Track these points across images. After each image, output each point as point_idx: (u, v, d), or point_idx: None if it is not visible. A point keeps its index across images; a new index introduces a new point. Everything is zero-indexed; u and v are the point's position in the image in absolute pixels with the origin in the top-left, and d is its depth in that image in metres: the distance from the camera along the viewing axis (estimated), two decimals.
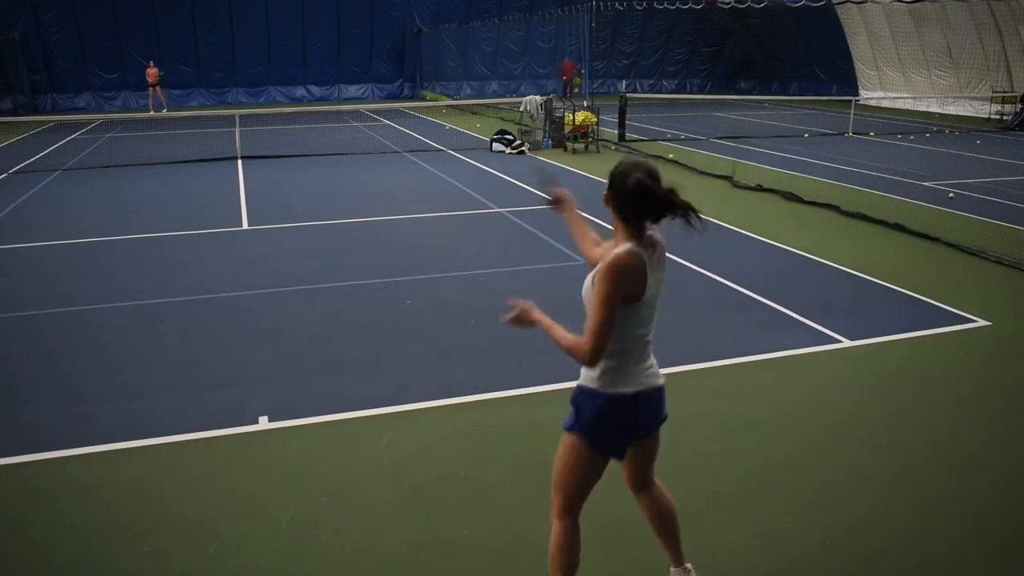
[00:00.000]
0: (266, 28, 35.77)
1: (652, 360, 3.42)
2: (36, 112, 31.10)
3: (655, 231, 3.30)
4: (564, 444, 3.45)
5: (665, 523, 3.77)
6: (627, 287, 3.16)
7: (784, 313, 7.88)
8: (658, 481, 3.76)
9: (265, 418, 5.81)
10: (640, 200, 3.17)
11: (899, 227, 11.18)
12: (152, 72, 31.01)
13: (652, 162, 3.28)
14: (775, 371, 6.62)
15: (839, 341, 7.17)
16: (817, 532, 4.41)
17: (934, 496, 4.78)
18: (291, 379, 6.51)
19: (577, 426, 3.39)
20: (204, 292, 8.75)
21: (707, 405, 6.04)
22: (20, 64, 31.83)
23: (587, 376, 3.36)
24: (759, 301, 8.20)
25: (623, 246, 3.19)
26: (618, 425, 3.39)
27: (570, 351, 3.25)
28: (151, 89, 31.15)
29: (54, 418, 5.86)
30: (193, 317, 8.00)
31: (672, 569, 3.85)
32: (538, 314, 3.44)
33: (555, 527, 3.55)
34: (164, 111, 30.04)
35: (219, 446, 5.46)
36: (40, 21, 32.44)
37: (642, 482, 3.72)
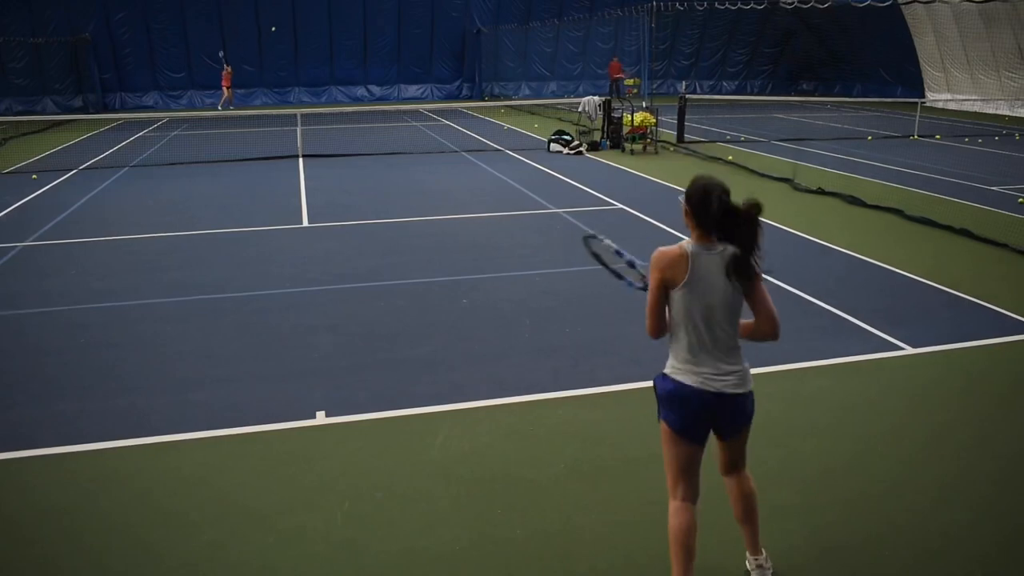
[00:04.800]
0: (328, 29, 36.26)
1: (709, 364, 3.67)
2: (105, 110, 31.97)
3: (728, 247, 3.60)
4: (660, 429, 3.82)
5: (745, 510, 3.95)
6: (665, 272, 3.70)
7: (845, 319, 7.75)
8: (745, 470, 3.95)
9: (322, 413, 5.89)
10: (697, 208, 3.61)
11: (965, 232, 10.92)
12: (226, 74, 31.83)
13: (723, 181, 3.61)
14: (835, 377, 6.52)
15: (901, 348, 7.03)
16: (872, 541, 4.33)
17: (984, 506, 4.67)
18: (348, 375, 6.60)
19: (659, 410, 3.81)
20: (264, 288, 8.90)
21: (766, 411, 5.95)
22: (91, 63, 32.74)
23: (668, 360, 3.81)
24: (820, 306, 8.08)
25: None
26: (675, 408, 3.71)
27: None
28: (228, 90, 31.95)
29: (109, 409, 6.02)
30: (253, 313, 8.14)
31: (748, 556, 3.99)
32: None
33: (669, 507, 3.82)
34: (219, 110, 30.68)
35: (277, 440, 5.55)
36: (110, 22, 33.34)
37: (729, 468, 3.95)
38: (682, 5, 33.49)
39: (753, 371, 6.79)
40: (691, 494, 3.76)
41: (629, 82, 31.76)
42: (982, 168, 16.91)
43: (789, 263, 9.53)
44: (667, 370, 3.77)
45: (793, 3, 30.76)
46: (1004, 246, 10.24)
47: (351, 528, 4.52)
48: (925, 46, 32.28)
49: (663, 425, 3.76)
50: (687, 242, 3.68)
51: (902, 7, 30.54)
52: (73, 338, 7.49)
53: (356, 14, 36.34)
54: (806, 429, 5.63)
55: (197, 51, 34.54)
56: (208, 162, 18.29)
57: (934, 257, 9.91)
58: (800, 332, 7.44)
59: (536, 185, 14.99)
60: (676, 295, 3.69)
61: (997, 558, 4.23)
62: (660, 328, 3.78)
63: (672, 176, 15.79)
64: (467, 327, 7.71)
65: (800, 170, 15.61)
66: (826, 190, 13.97)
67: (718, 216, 3.54)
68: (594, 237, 4.06)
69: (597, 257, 4.01)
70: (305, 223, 12.18)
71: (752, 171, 16.28)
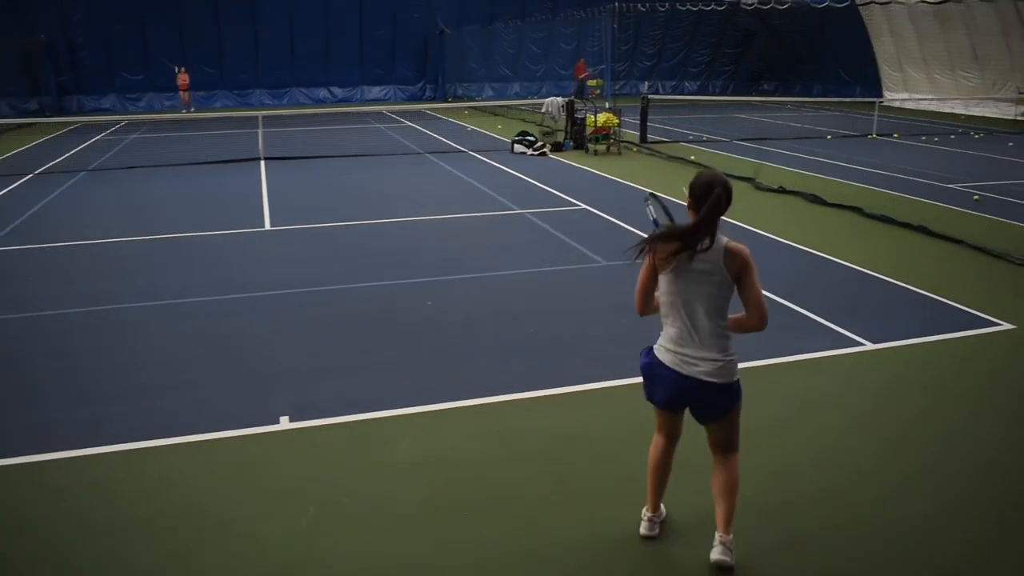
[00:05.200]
0: (289, 30, 35.98)
1: (691, 349, 3.91)
2: (62, 113, 31.44)
3: (727, 239, 3.87)
4: None
5: (721, 491, 4.12)
6: (656, 255, 3.86)
7: (806, 316, 7.83)
8: (731, 455, 4.13)
9: (286, 418, 5.84)
10: (699, 200, 3.80)
11: (923, 230, 11.09)
12: (184, 78, 31.41)
13: (726, 178, 3.87)
14: (797, 374, 6.59)
15: (862, 344, 7.12)
16: (835, 534, 4.38)
17: (948, 498, 4.74)
18: (313, 379, 6.55)
19: None
20: (226, 292, 8.81)
21: None
22: (46, 66, 32.20)
23: None
24: (781, 304, 8.16)
25: None
26: (651, 383, 4.09)
27: None
28: (184, 93, 31.53)
29: (75, 418, 5.91)
30: (215, 317, 8.06)
31: (717, 532, 4.13)
32: None
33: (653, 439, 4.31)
34: (189, 111, 30.32)
35: (240, 446, 5.50)
36: (67, 23, 32.81)
37: (714, 449, 4.16)
38: (644, 6, 33.75)
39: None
40: (670, 438, 4.24)
41: (592, 83, 31.88)
42: (939, 166, 17.19)
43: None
44: (655, 344, 4.06)
45: (753, 4, 31.08)
46: (961, 242, 10.41)
47: (316, 534, 4.49)
48: (882, 46, 32.75)
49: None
50: (678, 226, 3.86)
51: (859, 8, 30.97)
52: (30, 346, 7.36)
53: (318, 15, 36.11)
54: (768, 425, 5.68)
55: (156, 53, 34.11)
56: (168, 165, 18.08)
57: (893, 254, 10.05)
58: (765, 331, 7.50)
59: (500, 186, 14.99)
60: (663, 279, 3.93)
61: (960, 550, 4.29)
62: (645, 306, 4.06)
63: (635, 176, 15.87)
64: (432, 329, 7.69)
65: (762, 169, 15.76)
66: (787, 189, 14.12)
67: (713, 204, 3.73)
68: (654, 197, 4.17)
69: (654, 220, 4.11)
70: (267, 226, 12.07)
71: None
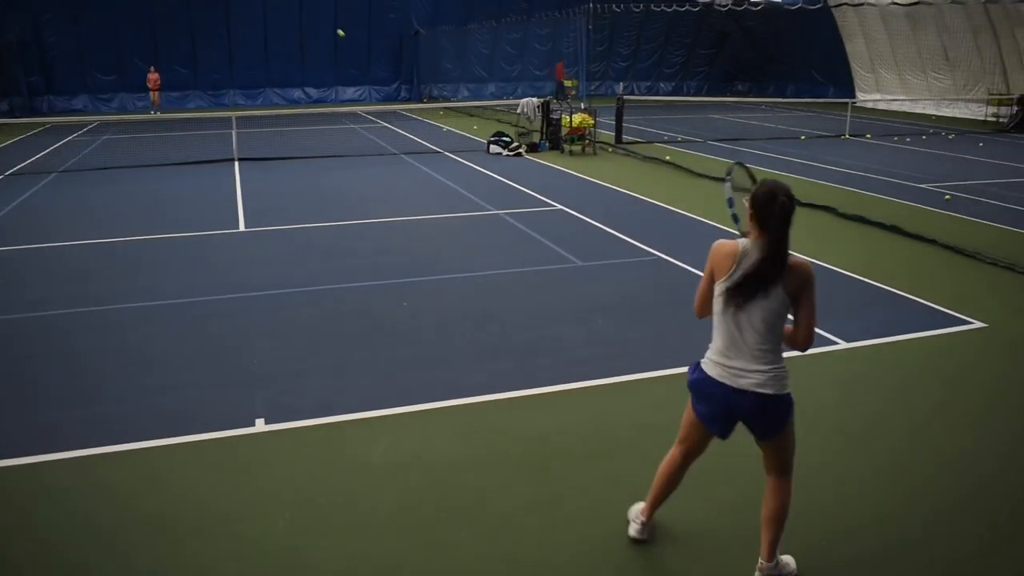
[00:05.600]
0: (263, 30, 35.73)
1: (743, 359, 3.76)
2: (33, 114, 31.05)
3: (794, 256, 3.72)
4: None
5: (768, 516, 4.00)
6: (714, 262, 3.82)
7: None
8: (784, 481, 3.98)
9: (262, 420, 5.80)
10: (761, 209, 3.71)
11: (896, 229, 11.20)
12: (153, 77, 31.04)
13: (789, 187, 3.75)
14: None
15: (835, 343, 7.18)
16: (813, 532, 4.41)
17: (911, 492, 4.79)
18: (288, 382, 6.51)
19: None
20: (200, 294, 8.74)
21: None
22: (17, 66, 31.79)
23: None
24: None
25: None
26: (700, 399, 3.95)
27: None
28: (153, 94, 31.16)
29: (56, 419, 5.85)
30: (189, 319, 7.99)
31: (760, 562, 4.03)
32: None
33: (671, 449, 4.21)
34: (157, 113, 30.00)
35: (216, 449, 5.45)
36: (38, 23, 32.40)
37: (769, 471, 4.02)
38: (619, 7, 33.87)
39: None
40: (690, 453, 4.14)
41: (568, 83, 31.97)
42: (911, 166, 17.37)
43: None
44: (703, 359, 3.94)
45: (727, 5, 31.32)
46: (933, 242, 10.53)
47: (293, 536, 4.46)
48: (855, 47, 33.07)
49: (689, 403, 4.04)
50: (744, 240, 3.80)
51: (832, 9, 31.27)
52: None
53: (292, 15, 35.89)
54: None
55: (128, 53, 33.75)
56: (141, 166, 17.91)
57: (866, 253, 10.14)
58: None
59: (476, 187, 14.98)
60: (718, 288, 3.81)
61: (924, 540, 4.34)
62: (704, 312, 3.97)
63: (611, 177, 15.92)
64: (408, 330, 7.67)
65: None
66: None
67: (780, 218, 3.65)
68: (740, 166, 4.15)
69: (729, 201, 4.10)
70: (242, 228, 11.99)
71: (689, 171, 16.49)
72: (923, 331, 7.51)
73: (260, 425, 5.75)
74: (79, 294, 8.76)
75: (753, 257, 3.70)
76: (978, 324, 7.65)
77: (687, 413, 4.07)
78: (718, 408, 3.87)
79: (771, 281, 3.66)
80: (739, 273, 3.71)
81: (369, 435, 5.61)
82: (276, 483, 5.01)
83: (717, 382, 3.81)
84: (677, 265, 9.54)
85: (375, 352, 7.12)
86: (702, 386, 3.89)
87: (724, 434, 3.97)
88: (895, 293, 8.60)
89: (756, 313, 3.72)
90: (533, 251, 10.47)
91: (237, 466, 5.23)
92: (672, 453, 4.17)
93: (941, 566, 4.18)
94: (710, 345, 3.92)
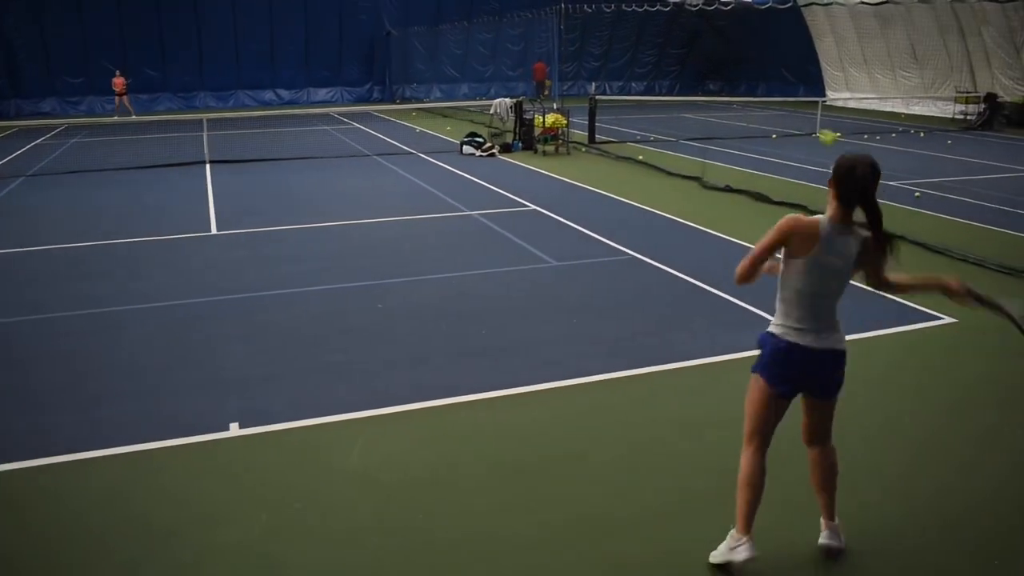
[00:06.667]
0: (233, 32, 35.47)
1: (821, 323, 3.96)
2: None
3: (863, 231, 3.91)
4: (750, 381, 4.11)
5: (824, 479, 4.21)
6: (790, 239, 3.89)
7: (754, 312, 7.92)
8: (829, 441, 4.21)
9: (236, 425, 5.76)
10: (842, 182, 3.85)
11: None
12: (119, 81, 30.63)
13: (872, 158, 3.86)
14: (746, 370, 6.65)
15: None
16: (794, 530, 4.44)
17: (889, 485, 4.84)
18: (262, 385, 6.47)
19: (758, 364, 4.07)
20: (172, 298, 8.66)
21: (680, 405, 6.08)
22: None
23: (772, 321, 4.05)
24: (729, 301, 8.25)
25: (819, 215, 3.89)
26: (782, 366, 3.97)
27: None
28: (118, 98, 30.72)
29: (14, 428, 5.77)
30: (161, 324, 7.92)
31: (822, 521, 4.23)
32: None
33: (742, 455, 4.11)
34: (133, 117, 29.65)
35: (189, 453, 5.41)
36: (3, 26, 31.97)
37: (812, 438, 4.20)
38: (590, 7, 33.94)
39: (667, 366, 6.89)
40: (765, 446, 4.09)
41: (548, 83, 32.02)
42: (881, 164, 17.40)
43: (698, 259, 9.71)
44: (776, 330, 4.00)
45: (698, 5, 31.48)
46: (902, 238, 10.59)
47: (270, 541, 4.43)
48: (825, 46, 33.34)
49: (759, 382, 4.04)
50: (823, 218, 3.91)
51: (802, 9, 31.51)
52: None
53: (262, 16, 35.66)
54: (719, 421, 5.72)
55: (96, 55, 33.36)
56: (111, 170, 17.71)
57: None
58: (710, 327, 7.60)
59: (449, 188, 14.96)
60: (796, 264, 3.90)
61: (906, 530, 4.38)
62: (751, 278, 3.99)
63: (584, 176, 15.95)
64: (383, 331, 7.65)
65: (708, 168, 15.93)
66: (734, 187, 14.29)
67: (862, 189, 3.78)
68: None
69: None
70: (214, 231, 11.90)
71: (662, 170, 16.55)
72: (893, 327, 7.59)
73: (234, 429, 5.70)
74: (46, 299, 8.66)
75: (852, 238, 3.89)
76: (948, 319, 7.74)
77: (754, 403, 4.08)
78: (797, 371, 3.98)
79: (889, 251, 3.95)
80: (856, 250, 3.91)
81: (345, 438, 5.59)
82: (251, 487, 4.98)
83: (802, 347, 3.93)
84: (651, 264, 9.57)
85: (349, 354, 7.09)
86: (788, 354, 3.95)
87: (792, 395, 4.07)
88: (865, 289, 8.65)
89: (836, 281, 3.95)
90: (507, 251, 10.47)
91: (213, 470, 5.19)
92: (748, 455, 4.09)
93: (914, 557, 4.23)
94: (781, 316, 4.00)
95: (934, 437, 5.57)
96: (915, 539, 4.40)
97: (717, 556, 4.10)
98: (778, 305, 4.02)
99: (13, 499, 4.89)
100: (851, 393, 6.20)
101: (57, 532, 4.53)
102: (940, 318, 7.78)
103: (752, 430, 4.09)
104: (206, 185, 15.63)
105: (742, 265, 3.96)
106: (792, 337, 3.95)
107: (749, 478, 4.05)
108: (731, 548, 4.04)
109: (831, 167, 3.91)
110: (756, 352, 4.18)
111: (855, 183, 3.79)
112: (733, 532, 4.08)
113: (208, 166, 17.94)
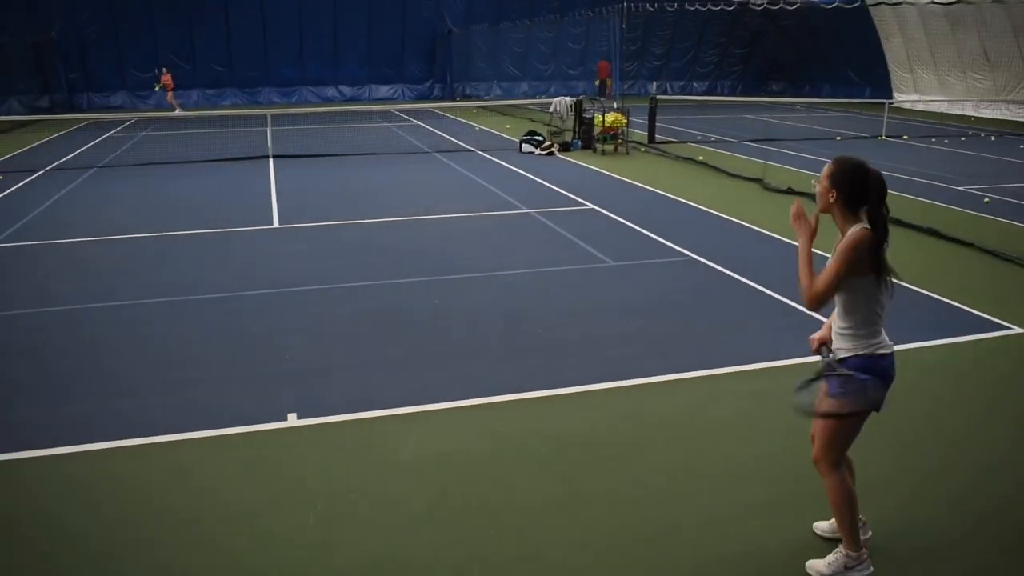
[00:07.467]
0: (298, 29, 36.04)
1: (884, 331, 3.91)
2: (72, 110, 31.49)
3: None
4: (848, 417, 3.91)
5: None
6: (867, 259, 3.77)
7: (817, 319, 7.80)
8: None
9: (294, 415, 5.85)
10: (862, 190, 3.85)
11: (932, 232, 11.05)
12: (166, 78, 31.37)
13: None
14: (800, 375, 6.55)
15: None
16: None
17: (954, 497, 4.73)
18: (321, 377, 6.56)
19: (864, 399, 3.82)
20: (235, 290, 8.83)
21: (736, 410, 6.02)
22: (57, 63, 32.31)
23: (854, 347, 3.87)
24: (787, 304, 8.13)
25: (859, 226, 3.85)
26: (887, 383, 3.88)
27: (802, 285, 3.96)
28: (169, 94, 31.48)
29: (92, 411, 5.94)
30: (224, 315, 8.07)
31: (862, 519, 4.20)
32: (807, 237, 4.14)
33: (832, 480, 4.03)
34: (177, 112, 30.21)
35: (248, 443, 5.51)
36: (77, 20, 32.89)
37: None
38: (652, 6, 33.68)
39: (729, 369, 6.84)
40: (848, 461, 4.15)
41: (609, 82, 31.89)
42: (949, 168, 17.13)
43: (761, 263, 9.59)
44: (876, 350, 3.85)
45: (762, 4, 31.06)
46: (970, 245, 10.37)
47: (323, 530, 4.50)
48: (892, 47, 32.65)
49: (853, 406, 3.85)
50: (864, 227, 3.85)
51: (870, 8, 30.90)
52: (43, 341, 7.38)
53: (326, 14, 36.14)
54: (779, 427, 5.66)
55: (165, 50, 34.16)
56: (178, 163, 18.10)
57: (903, 257, 9.95)
58: (769, 332, 7.50)
59: (508, 186, 14.99)
60: (868, 281, 3.80)
61: (963, 541, 4.29)
62: (824, 304, 3.91)
63: (643, 176, 15.86)
64: (439, 328, 7.69)
65: (770, 170, 15.72)
66: (796, 190, 14.08)
67: (882, 192, 3.80)
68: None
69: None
70: (276, 224, 12.09)
71: (723, 171, 16.38)
72: (959, 336, 7.40)
73: (292, 420, 5.80)
74: (112, 289, 8.88)
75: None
76: (1017, 329, 7.54)
77: (852, 434, 4.01)
78: (891, 378, 3.93)
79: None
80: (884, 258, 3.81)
81: (399, 431, 5.64)
82: (307, 477, 5.05)
83: (890, 355, 3.89)
84: (709, 266, 9.48)
85: (406, 349, 7.15)
86: (894, 366, 3.91)
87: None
88: (933, 297, 8.48)
89: (889, 291, 3.87)
90: (565, 250, 10.46)
91: (268, 460, 5.28)
92: (841, 476, 4.05)
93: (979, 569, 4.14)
94: (868, 337, 3.86)
95: (1004, 449, 5.43)
96: (978, 550, 4.29)
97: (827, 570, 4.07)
98: (861, 328, 3.86)
99: (83, 481, 5.02)
100: (921, 404, 6.10)
101: (113, 518, 4.65)
102: (1009, 328, 7.58)
103: (840, 454, 4.06)
104: (269, 179, 15.89)
105: (820, 289, 3.88)
106: (888, 350, 3.89)
107: (850, 493, 4.04)
108: (850, 568, 4.04)
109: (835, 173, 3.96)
110: (816, 358, 4.11)
111: (879, 188, 3.80)
112: (848, 552, 4.05)
113: (271, 161, 18.23)
